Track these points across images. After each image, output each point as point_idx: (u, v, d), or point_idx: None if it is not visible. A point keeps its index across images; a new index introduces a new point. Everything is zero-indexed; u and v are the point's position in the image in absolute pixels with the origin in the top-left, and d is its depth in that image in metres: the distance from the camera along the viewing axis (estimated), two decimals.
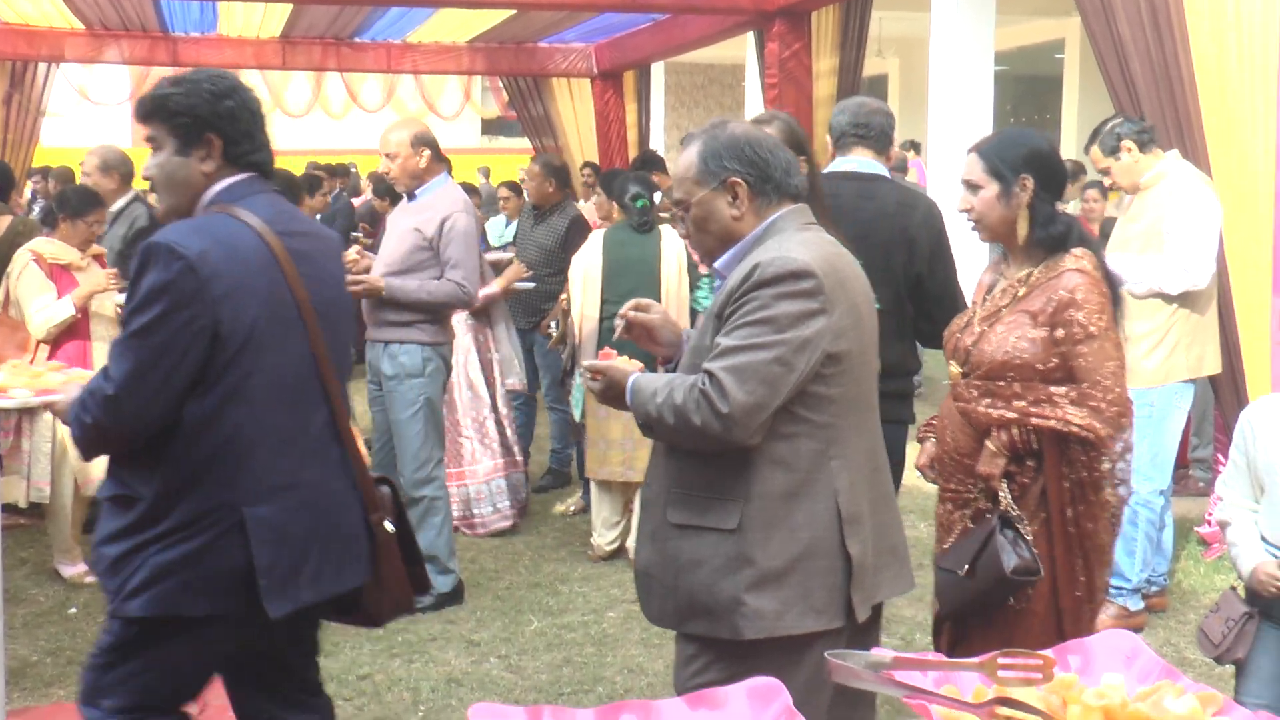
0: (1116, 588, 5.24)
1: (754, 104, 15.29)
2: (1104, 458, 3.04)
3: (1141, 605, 5.26)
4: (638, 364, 2.77)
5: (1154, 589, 5.32)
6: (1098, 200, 9.07)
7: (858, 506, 2.61)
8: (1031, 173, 3.14)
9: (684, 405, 2.52)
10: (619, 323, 2.93)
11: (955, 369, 3.27)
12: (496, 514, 6.66)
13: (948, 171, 12.78)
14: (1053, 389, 3.04)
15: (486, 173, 20.22)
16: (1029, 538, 3.05)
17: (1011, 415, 3.08)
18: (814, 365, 2.52)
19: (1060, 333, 3.04)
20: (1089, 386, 3.00)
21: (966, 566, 3.07)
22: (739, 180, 2.66)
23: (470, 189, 10.42)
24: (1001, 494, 3.09)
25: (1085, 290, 3.03)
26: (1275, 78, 5.06)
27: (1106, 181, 5.35)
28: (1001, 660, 1.53)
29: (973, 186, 3.20)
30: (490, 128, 26.93)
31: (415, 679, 4.73)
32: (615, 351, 2.82)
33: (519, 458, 6.87)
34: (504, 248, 9.17)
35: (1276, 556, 3.19)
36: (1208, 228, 4.93)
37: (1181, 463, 6.37)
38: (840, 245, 2.73)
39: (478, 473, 6.61)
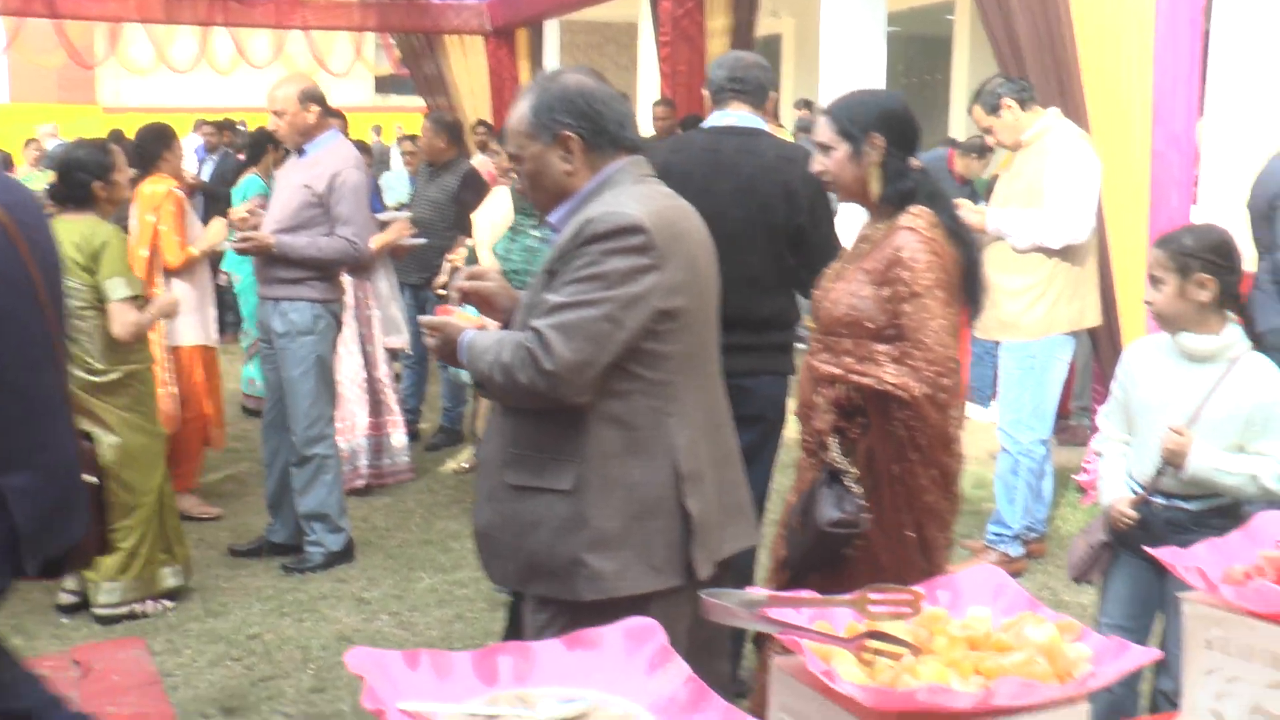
0: (998, 534, 5.38)
1: (648, 63, 15.26)
2: (928, 416, 3.04)
3: (1022, 551, 5.40)
4: (475, 320, 2.72)
5: (1034, 535, 5.47)
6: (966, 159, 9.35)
7: (697, 463, 2.58)
8: (881, 131, 3.15)
9: (511, 363, 2.48)
10: (454, 294, 2.86)
11: (810, 323, 3.31)
12: (353, 473, 6.58)
13: None
14: (876, 346, 3.07)
15: (379, 130, 19.94)
16: (857, 491, 3.07)
17: (837, 371, 3.12)
18: (646, 322, 2.48)
19: (887, 291, 3.05)
20: (910, 345, 3.01)
21: (799, 520, 3.12)
22: (571, 134, 2.59)
23: (362, 146, 10.26)
24: (830, 447, 3.12)
25: (912, 249, 3.03)
26: (1151, 36, 5.19)
27: (990, 140, 5.44)
28: (872, 596, 1.56)
29: (824, 148, 3.22)
30: (384, 85, 26.51)
31: (305, 637, 4.70)
32: (455, 308, 2.78)
33: (392, 418, 6.80)
34: (403, 207, 9.08)
35: (1137, 493, 3.33)
36: (1087, 183, 5.04)
37: (1062, 413, 6.54)
38: (678, 199, 2.69)
39: (343, 431, 6.50)
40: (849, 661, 1.45)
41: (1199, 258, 3.18)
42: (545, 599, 2.60)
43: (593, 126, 2.61)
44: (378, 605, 5.05)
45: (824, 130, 3.22)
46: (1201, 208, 6.73)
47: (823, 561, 3.09)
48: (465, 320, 2.71)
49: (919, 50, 17.10)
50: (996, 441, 5.48)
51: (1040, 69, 5.53)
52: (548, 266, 2.56)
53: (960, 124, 14.17)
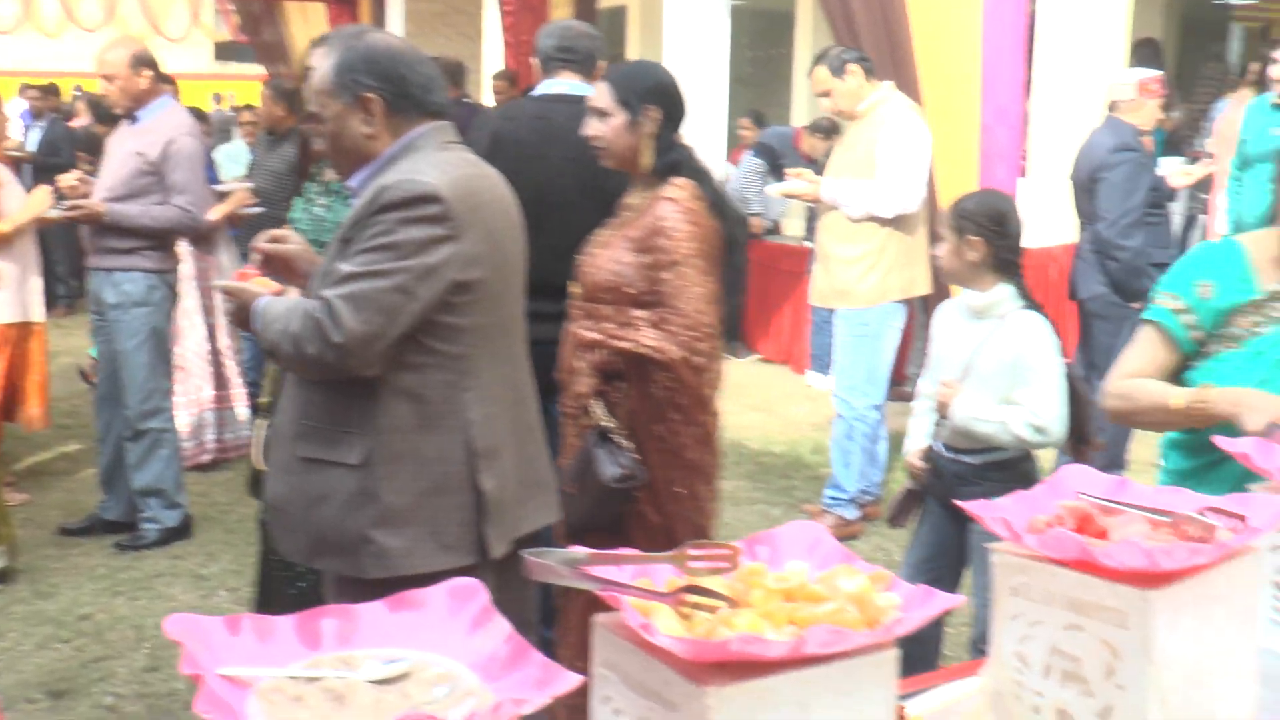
0: (834, 498, 5.52)
1: (493, 32, 15.14)
2: (685, 379, 3.16)
3: (858, 514, 5.55)
4: (273, 286, 2.66)
5: (869, 499, 5.62)
6: (748, 129, 9.86)
7: (493, 439, 2.54)
8: (657, 103, 3.26)
9: (299, 334, 2.41)
10: (255, 256, 2.78)
11: (575, 289, 3.38)
12: (199, 448, 6.46)
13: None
14: (635, 312, 3.17)
15: (218, 99, 19.45)
16: (628, 446, 3.17)
17: (597, 336, 3.21)
18: (440, 294, 2.43)
19: (648, 259, 3.15)
20: (668, 311, 3.13)
21: (576, 483, 3.19)
22: (373, 95, 2.52)
23: (200, 114, 9.99)
24: (595, 409, 3.21)
25: (674, 219, 3.14)
26: (980, 14, 5.34)
27: (827, 104, 5.52)
28: (691, 552, 1.59)
29: (601, 114, 3.30)
30: (224, 52, 25.85)
31: (140, 616, 4.60)
32: (254, 272, 2.72)
33: (236, 392, 6.69)
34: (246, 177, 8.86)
35: (934, 444, 3.57)
36: (918, 154, 5.18)
37: (897, 379, 6.71)
38: (485, 166, 2.66)
39: (188, 405, 6.38)
40: (667, 615, 1.48)
41: (973, 220, 3.44)
42: (342, 578, 2.53)
43: (396, 89, 2.54)
44: (215, 581, 4.97)
45: (603, 97, 3.30)
46: (1030, 180, 6.96)
47: (604, 521, 3.16)
48: (262, 286, 2.63)
49: (763, 24, 17.26)
50: (833, 408, 5.61)
51: (875, 44, 5.66)
52: (343, 234, 2.50)
53: (803, 98, 14.37)
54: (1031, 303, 3.48)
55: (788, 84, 15.63)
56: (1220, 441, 2.18)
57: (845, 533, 5.34)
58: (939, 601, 1.52)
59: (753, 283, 9.66)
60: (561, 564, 1.57)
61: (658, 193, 3.22)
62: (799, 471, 6.44)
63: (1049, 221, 8.21)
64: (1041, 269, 8.17)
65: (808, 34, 16.02)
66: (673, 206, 3.16)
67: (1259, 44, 9.86)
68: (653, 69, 3.44)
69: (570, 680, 1.36)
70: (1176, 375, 2.65)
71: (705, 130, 12.79)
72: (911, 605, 1.53)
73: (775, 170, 9.18)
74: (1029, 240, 6.10)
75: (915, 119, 5.25)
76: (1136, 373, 2.67)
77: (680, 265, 3.11)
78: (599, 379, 3.22)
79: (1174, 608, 1.63)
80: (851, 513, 5.51)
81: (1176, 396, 2.56)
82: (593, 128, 3.32)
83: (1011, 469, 3.40)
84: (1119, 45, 8.71)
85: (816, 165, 8.87)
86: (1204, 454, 2.59)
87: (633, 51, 17.27)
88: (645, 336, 3.13)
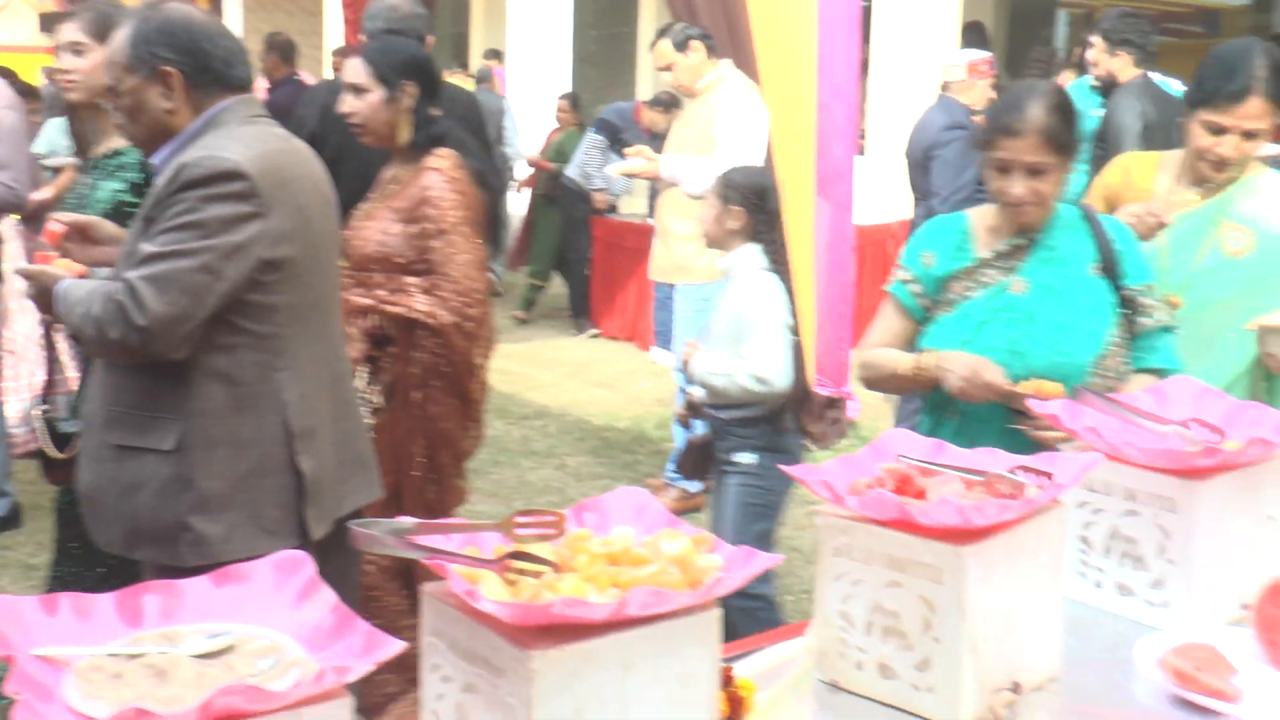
0: (677, 472, 5.57)
1: (334, 8, 14.88)
2: (455, 345, 3.25)
3: (701, 487, 5.61)
4: (77, 268, 2.57)
5: None
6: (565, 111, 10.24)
7: (310, 419, 2.51)
8: (414, 79, 3.33)
9: (101, 317, 2.34)
10: (55, 226, 2.68)
11: (341, 261, 3.42)
12: (32, 434, 6.25)
13: (528, 81, 12.95)
14: (407, 279, 3.25)
15: (49, 73, 18.74)
16: (369, 421, 3.20)
17: (370, 302, 3.28)
18: (248, 273, 2.38)
19: (416, 228, 3.24)
20: (438, 278, 3.22)
21: None
22: (171, 69, 2.45)
23: (31, 90, 9.59)
24: (357, 377, 3.25)
25: (439, 188, 3.24)
26: None
27: (667, 78, 5.55)
28: (518, 520, 1.60)
29: (358, 90, 3.35)
30: (50, 24, 24.89)
31: None
32: (55, 255, 2.61)
33: (72, 377, 6.49)
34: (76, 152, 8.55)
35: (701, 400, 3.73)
36: (756, 131, 5.26)
37: None
38: (294, 141, 2.60)
39: (19, 390, 6.18)
40: (493, 582, 1.49)
41: (738, 191, 3.66)
42: (161, 568, 2.42)
43: (196, 63, 2.48)
44: (46, 571, 4.82)
45: (359, 73, 3.35)
46: (867, 158, 7.12)
47: None
48: (64, 268, 2.55)
49: (606, 3, 17.29)
50: (676, 383, 5.67)
51: (713, 22, 5.71)
52: (145, 213, 2.43)
53: (648, 77, 14.45)
54: (775, 267, 3.65)
55: (632, 63, 15.68)
56: (1032, 405, 2.27)
57: (688, 505, 5.41)
58: (759, 561, 1.56)
59: (596, 260, 9.70)
60: (388, 534, 1.57)
61: (421, 164, 3.29)
62: (643, 446, 6.50)
63: (886, 198, 8.41)
64: (879, 244, 8.37)
65: (651, 13, 16.09)
66: (438, 176, 3.24)
67: (1082, 29, 10.23)
68: (408, 45, 3.51)
69: (394, 646, 1.37)
70: (915, 342, 2.79)
71: (548, 108, 12.80)
72: (733, 566, 1.57)
73: (616, 146, 9.22)
74: (867, 217, 6.26)
75: (753, 97, 5.31)
76: (879, 342, 2.83)
77: (448, 233, 3.20)
78: (369, 344, 3.29)
79: (986, 562, 1.71)
80: (694, 486, 5.58)
81: (904, 363, 2.72)
82: (349, 104, 3.35)
83: (755, 426, 3.56)
84: (952, 28, 8.95)
85: (657, 139, 8.96)
86: (934, 417, 2.77)
87: (477, 31, 17.14)
88: (418, 302, 3.21)
